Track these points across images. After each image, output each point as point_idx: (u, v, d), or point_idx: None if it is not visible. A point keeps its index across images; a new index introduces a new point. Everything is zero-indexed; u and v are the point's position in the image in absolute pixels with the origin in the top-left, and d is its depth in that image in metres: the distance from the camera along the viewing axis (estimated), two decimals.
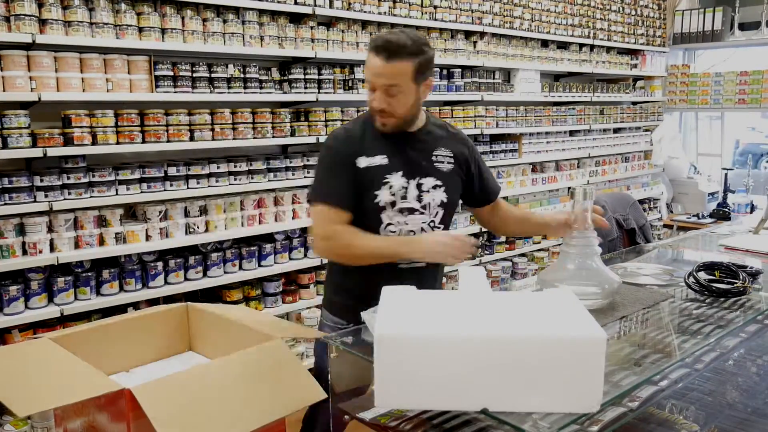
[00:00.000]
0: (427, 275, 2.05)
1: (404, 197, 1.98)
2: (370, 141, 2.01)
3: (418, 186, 2.00)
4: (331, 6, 3.68)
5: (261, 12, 3.48)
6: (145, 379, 1.76)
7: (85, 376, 1.59)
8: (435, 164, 2.04)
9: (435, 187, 2.02)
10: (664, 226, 6.23)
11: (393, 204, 1.98)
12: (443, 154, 2.06)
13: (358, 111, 3.90)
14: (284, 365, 1.70)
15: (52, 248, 2.94)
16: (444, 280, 4.39)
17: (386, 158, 1.98)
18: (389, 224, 1.99)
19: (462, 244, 1.90)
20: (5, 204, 2.78)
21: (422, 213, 2.01)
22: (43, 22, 2.79)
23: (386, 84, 1.89)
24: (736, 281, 1.98)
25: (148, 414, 1.40)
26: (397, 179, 1.97)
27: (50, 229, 2.93)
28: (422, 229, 2.01)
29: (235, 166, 3.43)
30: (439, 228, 2.04)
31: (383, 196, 1.97)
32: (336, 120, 3.79)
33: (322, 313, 2.16)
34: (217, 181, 3.36)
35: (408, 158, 2.00)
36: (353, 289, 2.04)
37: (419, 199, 2.00)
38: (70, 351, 1.72)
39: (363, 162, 1.98)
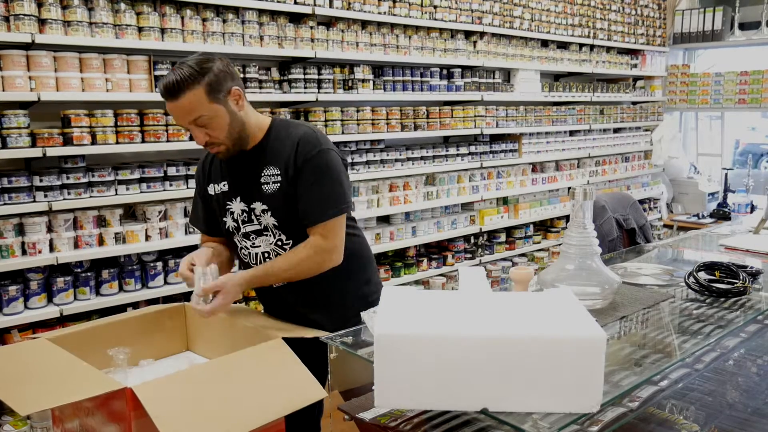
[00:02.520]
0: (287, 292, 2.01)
1: (247, 221, 1.96)
2: (216, 167, 2.01)
3: (252, 210, 1.94)
4: (330, 6, 3.68)
5: (260, 12, 3.47)
6: (143, 379, 1.75)
7: (86, 374, 1.59)
8: (262, 186, 1.92)
9: (263, 211, 1.93)
10: (664, 226, 6.24)
11: (237, 229, 1.98)
12: (270, 173, 1.92)
13: (357, 111, 3.90)
14: (284, 364, 1.70)
15: (51, 248, 2.94)
16: (444, 280, 4.43)
17: (227, 184, 1.98)
18: (241, 248, 2.00)
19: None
20: (4, 204, 2.77)
21: (266, 235, 1.95)
22: (42, 22, 2.79)
23: (189, 120, 1.81)
24: (736, 281, 1.97)
25: (150, 413, 1.39)
26: (237, 205, 1.96)
27: (50, 229, 2.93)
28: (273, 249, 1.96)
29: None
30: (287, 245, 1.95)
31: (228, 222, 1.98)
32: (336, 120, 3.79)
33: None
34: None
35: (242, 182, 1.95)
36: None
37: (259, 221, 1.95)
38: (67, 351, 1.72)
39: (211, 189, 2.01)
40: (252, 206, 1.93)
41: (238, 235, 1.98)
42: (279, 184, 1.90)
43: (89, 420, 1.66)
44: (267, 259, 1.98)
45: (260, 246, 1.96)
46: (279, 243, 1.96)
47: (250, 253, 1.99)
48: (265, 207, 1.92)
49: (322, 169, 1.88)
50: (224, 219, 1.99)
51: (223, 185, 1.98)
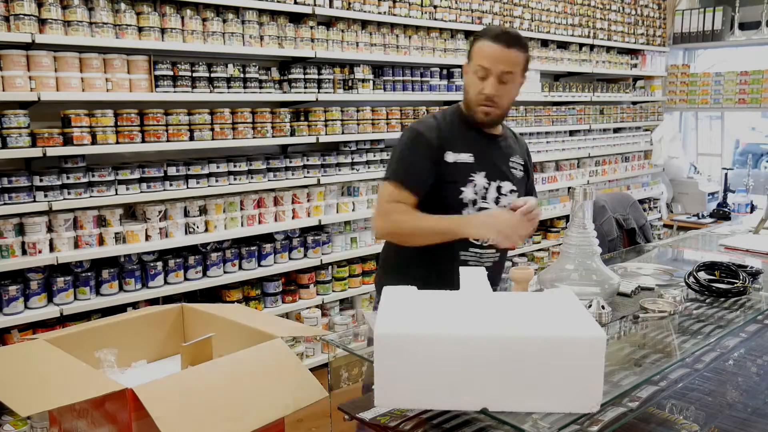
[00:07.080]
0: (489, 268, 2.03)
1: (484, 198, 2.04)
2: (458, 137, 2.05)
3: (498, 189, 2.06)
4: (330, 6, 3.68)
5: (261, 12, 3.47)
6: (137, 381, 1.75)
7: (86, 375, 1.59)
8: (511, 170, 2.12)
9: (511, 191, 2.09)
10: (664, 225, 6.23)
11: (474, 202, 2.03)
12: (517, 162, 2.15)
13: (357, 111, 3.90)
14: (285, 364, 1.70)
15: (51, 248, 2.93)
16: None
17: (472, 157, 2.04)
18: None
19: (517, 225, 1.86)
20: (5, 204, 2.77)
21: None
22: (42, 22, 2.79)
23: (503, 70, 1.94)
24: (736, 281, 1.97)
25: (152, 413, 1.39)
26: (480, 179, 2.03)
27: (50, 229, 2.93)
28: None
29: (234, 166, 3.42)
30: None
31: (468, 193, 2.02)
32: (336, 120, 3.79)
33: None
34: (216, 181, 3.36)
35: (491, 160, 2.07)
36: (414, 276, 1.87)
37: (497, 201, 2.06)
38: (64, 352, 1.71)
39: (450, 156, 2.02)
40: (500, 185, 2.07)
41: (472, 208, 2.02)
42: (522, 173, 2.17)
43: (88, 421, 1.66)
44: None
45: None
46: None
47: None
48: (514, 188, 2.10)
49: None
50: (462, 189, 2.01)
51: (469, 156, 2.03)
